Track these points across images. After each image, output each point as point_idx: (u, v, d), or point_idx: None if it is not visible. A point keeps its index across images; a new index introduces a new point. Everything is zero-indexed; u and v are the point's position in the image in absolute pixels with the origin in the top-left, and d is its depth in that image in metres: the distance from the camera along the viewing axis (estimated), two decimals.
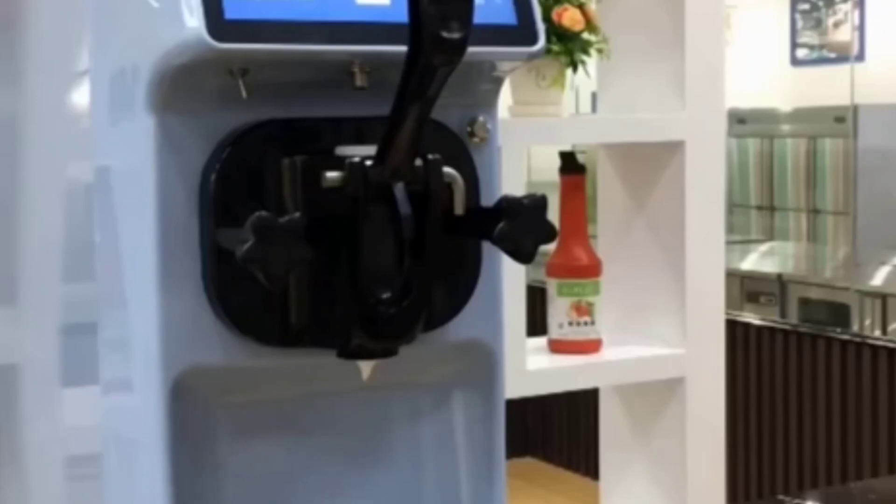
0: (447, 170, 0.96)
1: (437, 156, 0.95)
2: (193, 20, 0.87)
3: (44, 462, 1.16)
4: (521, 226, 0.95)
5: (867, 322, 4.46)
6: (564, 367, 1.93)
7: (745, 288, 4.89)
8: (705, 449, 2.04)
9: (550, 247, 1.91)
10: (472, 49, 0.94)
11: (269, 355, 0.95)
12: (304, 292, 0.92)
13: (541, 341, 2.00)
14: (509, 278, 1.14)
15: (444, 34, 0.86)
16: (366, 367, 0.98)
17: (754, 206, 5.70)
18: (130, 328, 0.98)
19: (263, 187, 0.92)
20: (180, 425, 0.94)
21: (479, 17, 0.93)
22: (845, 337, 3.90)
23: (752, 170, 5.72)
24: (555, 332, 1.96)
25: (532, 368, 1.89)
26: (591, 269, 1.95)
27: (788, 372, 4.04)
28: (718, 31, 2.03)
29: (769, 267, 5.19)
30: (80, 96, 1.06)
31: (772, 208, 5.64)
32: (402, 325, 0.94)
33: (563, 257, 1.95)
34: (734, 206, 5.61)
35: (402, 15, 0.90)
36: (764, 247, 5.54)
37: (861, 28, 6.08)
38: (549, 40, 1.73)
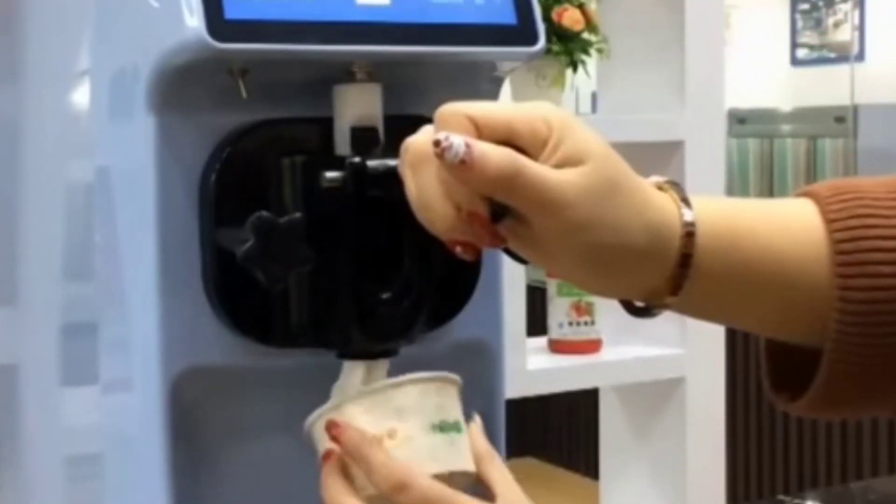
0: None
1: None
2: (193, 20, 0.87)
3: (44, 462, 1.16)
4: None
5: None
6: (564, 367, 1.93)
7: None
8: (705, 449, 2.03)
9: None
10: (472, 49, 0.94)
11: (269, 355, 0.95)
12: (304, 292, 0.92)
13: (541, 341, 1.99)
14: (509, 278, 1.14)
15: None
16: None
17: None
18: (130, 328, 0.98)
19: (263, 187, 0.92)
20: (180, 425, 0.94)
21: (479, 17, 0.93)
22: None
23: (752, 170, 5.71)
24: (555, 332, 1.96)
25: (532, 368, 1.89)
26: None
27: None
28: (718, 31, 2.02)
29: None
30: (80, 96, 1.06)
31: None
32: (402, 325, 0.94)
33: None
34: None
35: (402, 15, 0.89)
36: None
37: (861, 28, 6.09)
38: (549, 40, 1.73)
